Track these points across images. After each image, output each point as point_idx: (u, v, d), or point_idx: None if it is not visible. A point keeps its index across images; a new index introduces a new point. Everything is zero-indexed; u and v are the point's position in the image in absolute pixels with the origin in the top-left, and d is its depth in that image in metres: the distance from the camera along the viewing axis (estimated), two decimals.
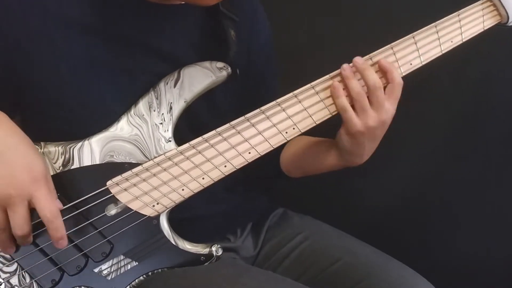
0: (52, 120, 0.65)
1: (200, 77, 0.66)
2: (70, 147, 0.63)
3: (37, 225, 0.58)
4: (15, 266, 0.60)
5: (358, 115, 0.64)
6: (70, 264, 0.61)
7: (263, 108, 0.64)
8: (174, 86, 0.66)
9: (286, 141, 0.65)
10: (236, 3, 0.72)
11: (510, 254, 0.99)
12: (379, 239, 0.80)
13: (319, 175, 0.78)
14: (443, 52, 0.67)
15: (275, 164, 0.81)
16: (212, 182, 0.64)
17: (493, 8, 0.69)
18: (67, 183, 0.62)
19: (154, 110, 0.65)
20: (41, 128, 0.66)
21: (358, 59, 0.64)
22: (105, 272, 0.62)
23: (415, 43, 0.66)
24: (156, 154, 0.64)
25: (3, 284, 0.60)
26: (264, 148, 0.65)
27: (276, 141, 0.65)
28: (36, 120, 0.67)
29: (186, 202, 0.64)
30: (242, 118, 0.64)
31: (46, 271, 0.60)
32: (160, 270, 0.63)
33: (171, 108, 0.65)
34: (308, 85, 0.65)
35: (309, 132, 0.67)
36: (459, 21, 0.67)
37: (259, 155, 0.65)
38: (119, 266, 0.62)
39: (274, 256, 0.80)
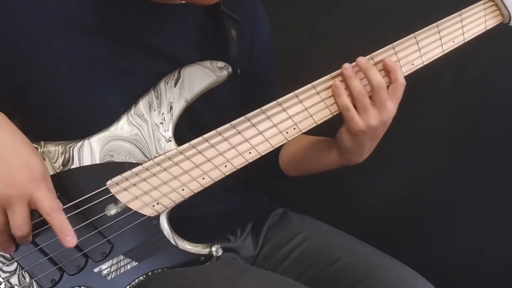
0: (52, 120, 0.65)
1: (200, 77, 0.66)
2: (70, 147, 0.63)
3: (37, 224, 0.58)
4: (15, 265, 0.60)
5: (359, 114, 0.64)
6: (70, 263, 0.61)
7: (263, 108, 0.64)
8: (175, 86, 0.65)
9: (286, 141, 0.65)
10: (237, 3, 0.72)
11: (510, 254, 0.99)
12: (379, 239, 0.80)
13: (318, 175, 0.78)
14: (445, 52, 0.67)
15: (274, 163, 0.81)
16: (212, 182, 0.64)
17: (495, 8, 0.68)
18: (67, 183, 0.62)
19: (155, 110, 0.65)
20: (41, 128, 0.65)
21: (361, 59, 0.64)
22: (105, 272, 0.62)
23: (417, 43, 0.66)
24: (156, 154, 0.64)
25: (3, 284, 0.60)
26: (264, 148, 0.64)
27: (277, 141, 0.65)
28: (36, 120, 0.67)
29: (186, 202, 0.64)
30: (242, 118, 0.64)
31: (46, 271, 0.60)
32: (160, 270, 0.63)
33: (171, 107, 0.65)
34: (309, 85, 0.65)
35: (308, 131, 0.67)
36: (461, 21, 0.67)
37: (260, 155, 0.65)
38: (119, 266, 0.62)
39: (274, 256, 0.80)
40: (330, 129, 0.69)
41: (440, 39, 0.66)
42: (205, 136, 0.63)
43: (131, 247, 0.63)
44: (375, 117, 0.64)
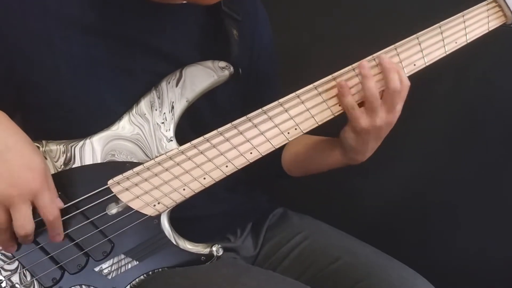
0: (52, 120, 0.65)
1: (202, 77, 0.66)
2: (72, 146, 0.63)
3: (38, 223, 0.58)
4: (16, 264, 0.60)
5: (366, 114, 0.64)
6: (71, 262, 0.61)
7: (265, 108, 0.64)
8: (176, 86, 0.65)
9: (288, 141, 0.65)
10: (237, 3, 0.72)
11: (510, 254, 0.99)
12: (380, 239, 0.80)
13: (319, 174, 0.78)
14: (447, 53, 0.67)
15: (276, 163, 0.81)
16: (213, 182, 0.64)
17: (499, 9, 0.68)
18: (68, 182, 0.62)
19: (156, 109, 0.65)
20: (42, 127, 0.65)
21: (385, 58, 0.63)
22: (105, 271, 0.62)
23: (419, 44, 0.66)
24: (158, 154, 0.64)
25: (4, 282, 0.60)
26: (266, 149, 0.64)
27: (278, 142, 0.65)
28: (36, 120, 0.67)
29: (187, 201, 0.64)
30: (244, 118, 0.64)
31: (47, 270, 0.60)
32: (160, 269, 0.63)
33: (173, 107, 0.65)
34: (311, 86, 0.65)
35: (309, 131, 0.67)
36: (464, 22, 0.67)
37: (261, 156, 0.65)
38: (120, 265, 0.62)
39: (274, 256, 0.80)
40: (331, 129, 0.69)
41: (443, 40, 0.66)
42: (206, 136, 0.63)
43: (132, 246, 0.63)
44: (382, 118, 0.64)
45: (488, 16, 0.68)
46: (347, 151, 0.69)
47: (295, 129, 0.65)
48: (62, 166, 0.62)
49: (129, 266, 0.62)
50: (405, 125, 0.69)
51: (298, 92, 0.64)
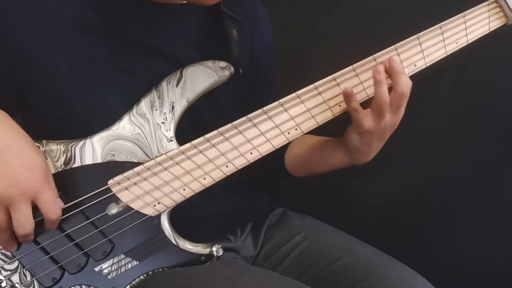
0: (53, 119, 0.65)
1: (202, 77, 0.66)
2: (72, 146, 0.63)
3: (38, 223, 0.58)
4: (16, 264, 0.60)
5: (371, 117, 0.64)
6: (71, 262, 0.61)
7: (265, 108, 0.64)
8: (177, 86, 0.65)
9: (288, 141, 0.65)
10: (237, 3, 0.72)
11: (510, 254, 0.99)
12: (380, 239, 0.80)
13: (319, 174, 0.78)
14: (448, 53, 0.67)
15: (280, 164, 0.81)
16: (214, 182, 0.64)
17: (499, 10, 0.68)
18: (69, 182, 0.62)
19: (156, 109, 0.65)
20: (42, 127, 0.65)
21: (396, 61, 0.63)
22: (105, 271, 0.62)
23: (420, 45, 0.65)
24: (158, 154, 0.64)
25: (4, 282, 0.60)
26: (266, 149, 0.64)
27: (279, 142, 0.65)
28: (36, 120, 0.67)
29: (187, 201, 0.64)
30: (244, 118, 0.63)
31: (47, 269, 0.60)
32: (160, 269, 0.63)
33: (173, 107, 0.65)
34: (311, 86, 0.65)
35: (310, 131, 0.67)
36: (465, 22, 0.67)
37: (261, 156, 0.65)
38: (120, 265, 0.62)
39: (274, 256, 0.80)
40: (331, 129, 0.69)
41: (443, 40, 0.66)
42: (207, 136, 0.63)
43: (132, 246, 0.63)
44: (388, 121, 0.64)
45: (489, 17, 0.68)
46: (351, 152, 0.69)
47: (296, 129, 0.65)
48: (62, 166, 0.62)
49: (129, 266, 0.62)
50: (405, 125, 0.68)
51: (298, 92, 0.64)
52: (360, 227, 0.87)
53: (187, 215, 0.67)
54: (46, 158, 0.61)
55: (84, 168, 0.63)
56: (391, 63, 0.62)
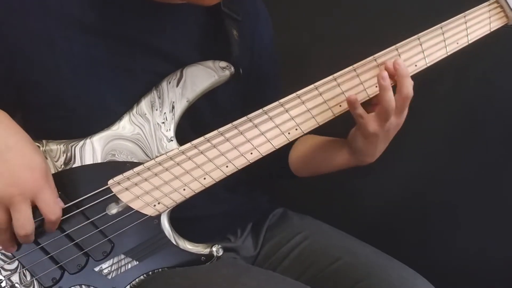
0: (53, 119, 0.65)
1: (202, 77, 0.65)
2: (72, 146, 0.63)
3: (39, 223, 0.58)
4: (16, 264, 0.60)
5: (376, 121, 0.64)
6: (71, 262, 0.61)
7: (265, 108, 0.64)
8: (177, 86, 0.65)
9: (288, 142, 0.65)
10: (237, 3, 0.72)
11: (510, 254, 0.99)
12: (380, 239, 0.80)
13: (322, 175, 0.78)
14: (448, 53, 0.67)
15: (283, 164, 0.81)
16: (214, 182, 0.64)
17: (500, 10, 0.68)
18: (69, 182, 0.62)
19: (156, 109, 0.65)
20: (42, 127, 0.65)
21: (401, 64, 0.62)
22: (105, 271, 0.62)
23: (421, 45, 0.65)
24: (158, 154, 0.64)
25: (4, 282, 0.60)
26: (266, 149, 0.64)
27: (279, 142, 0.65)
28: (36, 119, 0.67)
29: (187, 202, 0.64)
30: (244, 118, 0.63)
31: (46, 270, 0.60)
32: (160, 269, 0.63)
33: (173, 107, 0.65)
34: (312, 86, 0.65)
35: (311, 131, 0.66)
36: (465, 22, 0.67)
37: (261, 156, 0.65)
38: (120, 265, 0.62)
39: (274, 256, 0.80)
40: (332, 129, 0.69)
41: (444, 40, 0.66)
42: (207, 136, 0.63)
43: (132, 246, 0.63)
44: (393, 122, 0.64)
45: (490, 17, 0.68)
46: (356, 153, 0.70)
47: (296, 129, 0.65)
48: (62, 166, 0.62)
49: (129, 266, 0.62)
50: (406, 125, 0.68)
51: (299, 92, 0.64)
52: (360, 227, 0.87)
53: (187, 215, 0.67)
54: (46, 158, 0.61)
55: (84, 168, 0.63)
56: (396, 66, 0.62)
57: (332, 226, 0.83)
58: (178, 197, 0.63)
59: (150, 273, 0.63)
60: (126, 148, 0.64)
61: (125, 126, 0.64)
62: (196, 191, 0.64)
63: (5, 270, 0.60)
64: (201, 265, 0.64)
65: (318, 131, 0.68)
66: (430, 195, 1.03)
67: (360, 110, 0.64)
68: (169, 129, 0.64)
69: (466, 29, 0.67)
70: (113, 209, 0.62)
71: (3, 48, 0.62)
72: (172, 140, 0.64)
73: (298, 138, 0.66)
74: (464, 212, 1.01)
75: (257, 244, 0.82)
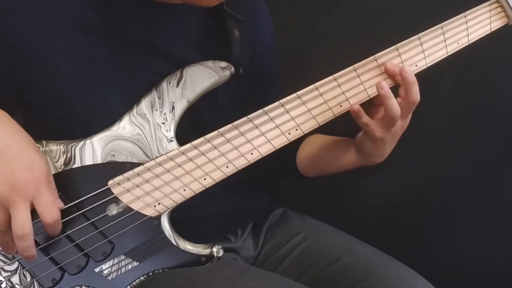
0: (53, 119, 0.65)
1: (203, 77, 0.65)
2: (72, 146, 0.63)
3: (38, 224, 0.58)
4: (16, 265, 0.60)
5: (382, 127, 0.64)
6: (71, 263, 0.61)
7: (266, 108, 0.64)
8: (177, 86, 0.65)
9: (288, 142, 0.65)
10: (239, 3, 0.71)
11: (510, 254, 0.99)
12: (380, 239, 0.80)
13: (329, 175, 0.78)
14: (449, 53, 0.67)
15: (291, 164, 0.81)
16: (214, 183, 0.64)
17: (501, 10, 0.68)
18: (69, 182, 0.62)
19: (157, 110, 0.64)
20: (42, 127, 0.65)
21: (408, 71, 0.62)
22: (105, 272, 0.62)
23: (421, 45, 0.65)
24: (158, 154, 0.64)
25: (4, 283, 0.60)
26: (266, 149, 0.64)
27: (279, 143, 0.64)
28: (37, 119, 0.66)
29: (187, 202, 0.64)
30: (244, 118, 0.63)
31: (47, 270, 0.60)
32: (160, 270, 0.63)
33: (173, 107, 0.65)
34: (312, 86, 0.64)
35: (318, 130, 0.66)
36: (466, 22, 0.67)
37: (262, 156, 0.64)
38: (120, 266, 0.62)
39: (274, 256, 0.80)
40: (333, 129, 0.69)
41: (445, 40, 0.66)
42: (207, 136, 0.63)
43: (132, 247, 0.62)
44: (398, 126, 0.65)
45: (490, 17, 0.68)
46: (365, 155, 0.70)
47: (296, 129, 0.65)
48: (62, 167, 0.62)
49: (129, 267, 0.62)
50: None
51: (299, 92, 0.64)
52: (360, 227, 0.87)
53: (187, 216, 0.67)
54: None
55: (84, 168, 0.62)
56: (403, 74, 0.62)
57: (332, 226, 0.83)
58: (178, 198, 0.63)
59: (151, 273, 0.63)
60: (126, 149, 0.63)
61: (125, 126, 0.64)
62: (197, 192, 0.63)
63: (5, 271, 0.60)
64: (201, 266, 0.64)
65: (318, 131, 0.68)
66: (430, 195, 1.03)
67: (365, 119, 0.64)
68: (169, 130, 0.64)
69: (467, 29, 0.67)
70: (113, 210, 0.62)
71: (3, 48, 0.62)
72: (172, 141, 0.64)
73: (306, 137, 0.66)
74: (464, 212, 1.01)
75: (258, 245, 0.81)
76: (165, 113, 0.65)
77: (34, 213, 0.57)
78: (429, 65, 0.66)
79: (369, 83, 0.65)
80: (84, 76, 0.64)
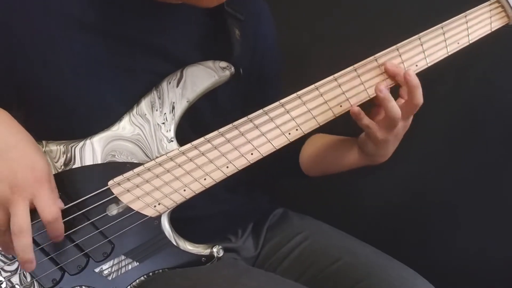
0: (53, 119, 0.65)
1: (203, 77, 0.65)
2: (72, 146, 0.63)
3: (39, 224, 0.58)
4: (16, 265, 0.60)
5: (384, 128, 0.64)
6: (71, 263, 0.61)
7: (266, 109, 0.64)
8: (177, 86, 0.65)
9: (289, 142, 0.65)
10: (240, 3, 0.71)
11: (510, 254, 0.99)
12: (380, 239, 0.80)
13: (332, 175, 0.78)
14: (449, 53, 0.67)
15: (294, 163, 0.81)
16: (214, 183, 0.64)
17: (501, 10, 0.68)
18: (69, 183, 0.62)
19: (157, 110, 0.64)
20: (42, 126, 0.65)
21: (412, 74, 0.62)
22: (106, 272, 0.62)
23: (421, 45, 0.65)
24: (158, 154, 0.64)
25: (4, 283, 0.60)
26: (267, 150, 0.64)
27: (279, 143, 0.64)
28: (37, 119, 0.66)
29: (187, 202, 0.64)
30: (245, 118, 0.63)
31: (47, 271, 0.60)
32: (161, 270, 0.63)
33: (173, 108, 0.65)
34: (312, 86, 0.64)
35: (318, 130, 0.66)
36: (466, 22, 0.67)
37: (262, 156, 0.64)
38: (120, 266, 0.62)
39: (274, 256, 0.80)
40: (332, 129, 0.69)
41: (445, 40, 0.66)
42: (207, 136, 0.63)
43: (132, 247, 0.62)
44: (400, 127, 0.65)
45: (490, 17, 0.68)
46: (368, 155, 0.70)
47: (296, 130, 0.65)
48: (63, 167, 0.62)
49: (130, 267, 0.62)
50: None
51: (299, 92, 0.64)
52: (360, 227, 0.87)
53: (187, 216, 0.67)
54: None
55: (84, 169, 0.62)
56: (407, 77, 0.62)
57: (332, 226, 0.83)
58: (178, 198, 0.63)
59: (151, 274, 0.63)
60: (126, 149, 0.63)
61: (125, 126, 0.64)
62: (197, 192, 0.63)
63: (5, 271, 0.60)
64: (202, 266, 0.64)
65: (318, 131, 0.68)
66: (430, 195, 1.03)
67: (366, 121, 0.64)
68: (169, 130, 0.64)
69: (467, 29, 0.67)
70: (114, 210, 0.62)
71: (3, 48, 0.62)
72: (172, 141, 0.64)
73: (308, 137, 0.66)
74: (464, 212, 1.01)
75: (258, 245, 0.82)
76: (165, 113, 0.64)
77: (35, 214, 0.57)
78: (429, 65, 0.66)
79: (370, 83, 0.65)
80: (84, 76, 0.63)
